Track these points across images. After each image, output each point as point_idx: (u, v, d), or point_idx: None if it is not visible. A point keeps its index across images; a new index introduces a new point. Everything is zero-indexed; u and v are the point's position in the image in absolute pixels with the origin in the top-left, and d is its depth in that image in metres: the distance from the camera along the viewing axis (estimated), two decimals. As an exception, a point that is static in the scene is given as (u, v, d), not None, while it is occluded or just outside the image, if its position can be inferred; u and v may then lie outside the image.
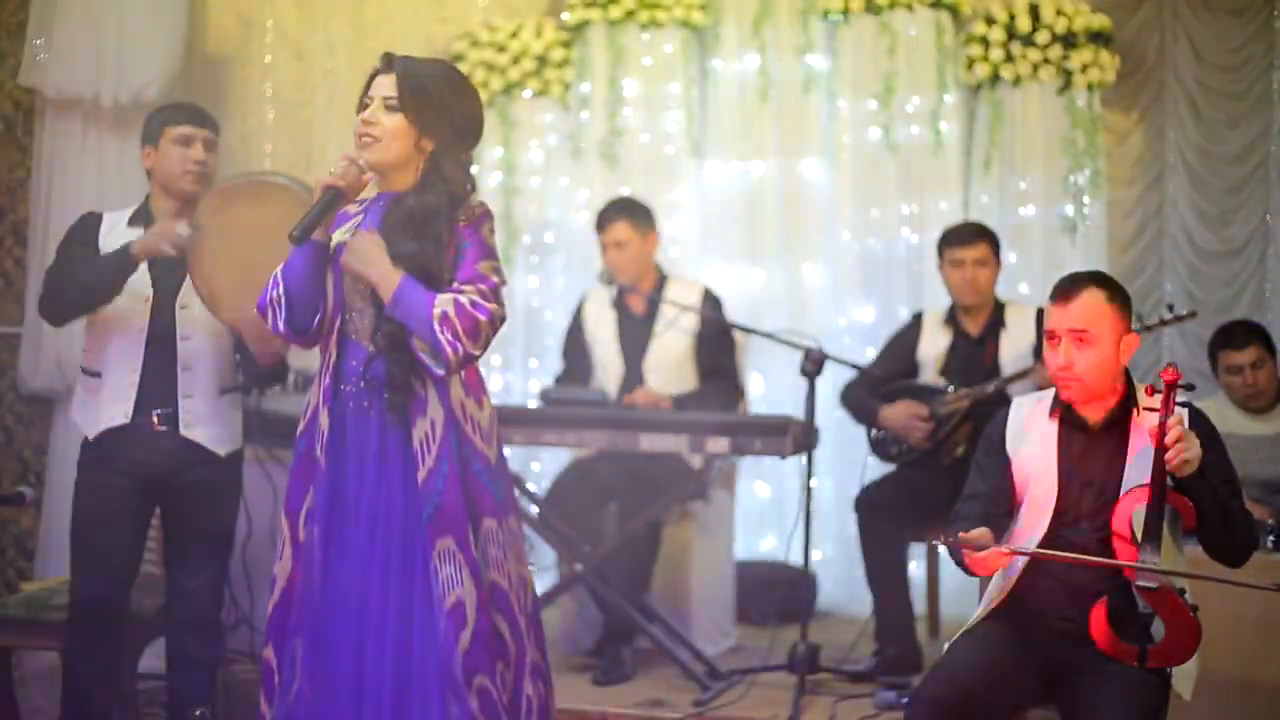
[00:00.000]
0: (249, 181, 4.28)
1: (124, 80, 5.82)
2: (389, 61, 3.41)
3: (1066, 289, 3.64)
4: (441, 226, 3.36)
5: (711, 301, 5.81)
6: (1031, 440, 3.72)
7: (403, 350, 3.32)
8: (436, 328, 3.26)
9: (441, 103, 3.39)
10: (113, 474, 4.24)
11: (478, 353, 3.32)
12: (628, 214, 5.77)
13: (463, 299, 3.30)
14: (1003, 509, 3.72)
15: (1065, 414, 3.69)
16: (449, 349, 3.26)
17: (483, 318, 3.30)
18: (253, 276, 3.64)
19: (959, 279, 5.60)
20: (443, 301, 3.28)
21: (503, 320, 3.37)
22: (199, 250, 4.12)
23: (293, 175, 4.41)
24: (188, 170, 4.32)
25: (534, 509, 5.49)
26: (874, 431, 5.70)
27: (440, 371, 3.31)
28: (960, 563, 3.56)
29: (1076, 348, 3.58)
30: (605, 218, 5.80)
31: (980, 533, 3.45)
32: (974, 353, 5.60)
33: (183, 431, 4.25)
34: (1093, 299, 3.61)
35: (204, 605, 4.36)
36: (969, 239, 5.63)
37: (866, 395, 5.68)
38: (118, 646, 4.31)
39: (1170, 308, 5.14)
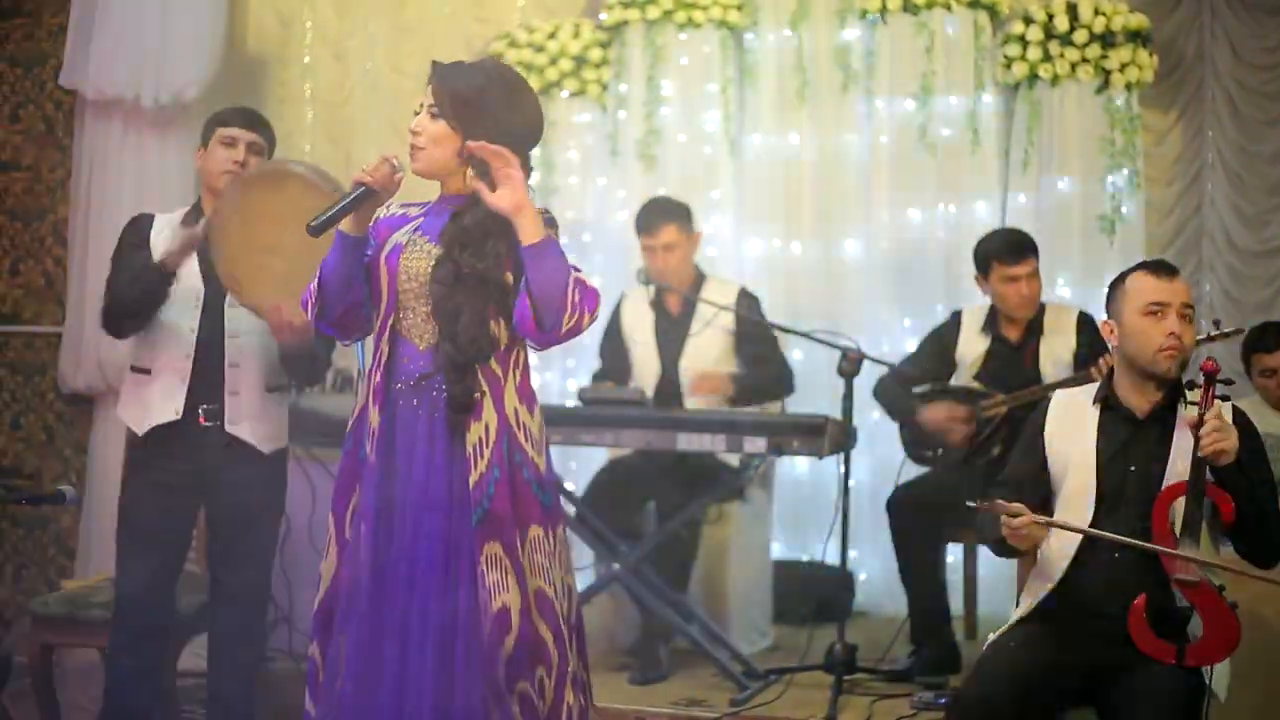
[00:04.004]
0: (267, 169, 4.31)
1: (164, 81, 5.86)
2: (434, 69, 3.38)
3: (1168, 266, 3.71)
4: (500, 245, 3.31)
5: (748, 301, 5.80)
6: (1072, 427, 3.73)
7: (465, 351, 3.30)
8: (571, 288, 3.21)
9: (486, 108, 3.31)
10: (160, 472, 4.27)
11: (583, 329, 3.29)
12: (676, 216, 5.76)
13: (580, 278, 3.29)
14: (1036, 496, 3.72)
15: (1110, 401, 3.69)
16: (574, 311, 3.22)
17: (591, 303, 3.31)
18: (272, 261, 3.74)
19: (1014, 294, 5.47)
20: (573, 272, 3.26)
21: None
22: (221, 236, 4.15)
23: (315, 166, 4.40)
24: (225, 170, 4.34)
25: (571, 508, 5.48)
26: (906, 432, 5.69)
27: (542, 335, 3.25)
28: (998, 542, 3.57)
29: (1184, 322, 3.63)
30: (652, 220, 5.75)
31: (1018, 508, 3.47)
32: (1013, 359, 5.53)
33: (228, 428, 4.27)
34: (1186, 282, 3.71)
35: (246, 604, 4.38)
36: (1021, 254, 5.47)
37: (904, 393, 5.64)
38: (160, 645, 4.34)
39: (1216, 323, 4.56)
